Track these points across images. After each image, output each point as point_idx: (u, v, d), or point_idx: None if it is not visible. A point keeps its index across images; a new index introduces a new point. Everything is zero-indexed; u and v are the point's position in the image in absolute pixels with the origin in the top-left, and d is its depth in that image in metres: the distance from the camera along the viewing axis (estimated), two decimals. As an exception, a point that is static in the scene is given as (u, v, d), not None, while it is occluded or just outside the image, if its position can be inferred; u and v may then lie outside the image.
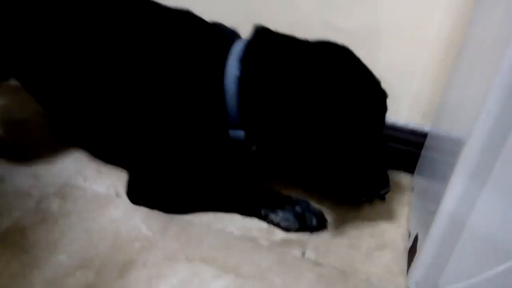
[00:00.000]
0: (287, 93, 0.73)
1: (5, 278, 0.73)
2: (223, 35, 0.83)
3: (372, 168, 0.81)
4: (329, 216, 0.89)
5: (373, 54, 0.94)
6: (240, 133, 0.81)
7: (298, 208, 0.86)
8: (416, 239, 0.76)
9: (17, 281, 0.72)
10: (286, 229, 0.86)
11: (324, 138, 0.74)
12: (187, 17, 0.85)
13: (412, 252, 0.77)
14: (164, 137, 0.84)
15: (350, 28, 0.94)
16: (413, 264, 0.73)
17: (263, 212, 0.87)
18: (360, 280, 0.76)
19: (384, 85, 0.97)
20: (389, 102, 0.99)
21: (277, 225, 0.86)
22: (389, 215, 0.92)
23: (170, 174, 0.88)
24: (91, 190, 0.94)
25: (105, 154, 1.01)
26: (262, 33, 0.81)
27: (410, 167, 1.01)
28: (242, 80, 0.77)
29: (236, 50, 0.79)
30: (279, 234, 0.85)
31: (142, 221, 0.86)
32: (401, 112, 1.00)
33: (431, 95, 0.95)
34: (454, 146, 0.64)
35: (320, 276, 0.76)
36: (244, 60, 0.77)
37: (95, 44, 0.83)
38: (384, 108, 0.80)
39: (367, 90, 0.77)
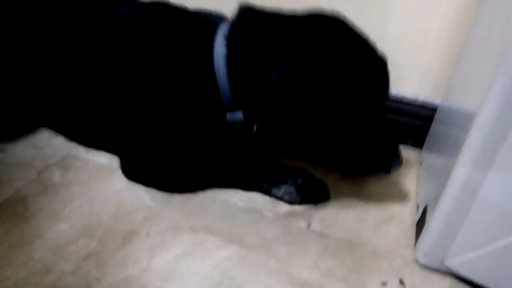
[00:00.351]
0: (275, 64, 0.70)
1: (6, 246, 0.72)
2: (207, 20, 0.81)
3: (379, 141, 0.78)
4: (335, 190, 0.88)
5: (382, 23, 0.92)
6: (238, 115, 0.78)
7: (300, 181, 0.84)
8: (425, 210, 0.74)
9: (18, 249, 0.71)
10: (289, 203, 0.84)
11: (321, 110, 0.71)
12: (167, 7, 0.84)
13: (420, 224, 0.75)
14: (158, 124, 0.81)
15: (360, -4, 0.90)
16: (421, 235, 0.72)
17: (265, 186, 0.85)
18: (367, 251, 0.75)
19: (393, 55, 0.94)
20: (397, 74, 0.97)
21: (280, 199, 0.85)
22: (396, 189, 0.90)
23: (166, 156, 0.85)
24: (93, 161, 0.92)
25: (92, 138, 0.96)
26: (246, 10, 0.78)
27: (418, 142, 0.99)
28: (230, 57, 0.74)
29: (222, 30, 0.76)
30: (284, 206, 0.84)
31: (145, 191, 0.85)
32: (410, 84, 0.97)
33: (443, 66, 0.92)
34: (466, 119, 0.62)
35: (327, 247, 0.75)
36: (230, 38, 0.75)
37: (85, 41, 0.83)
38: (385, 75, 0.76)
39: (361, 57, 0.72)
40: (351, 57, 0.71)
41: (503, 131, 0.56)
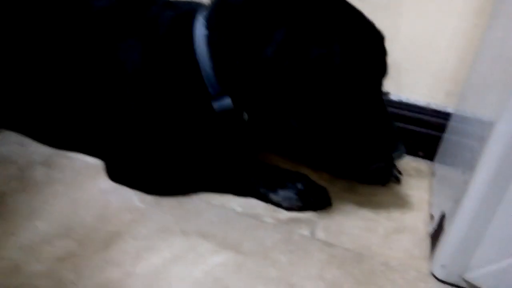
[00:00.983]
0: (266, 37, 0.64)
1: (-23, 244, 0.64)
2: (185, 7, 0.77)
3: (377, 127, 0.70)
4: (340, 199, 0.81)
5: (393, 24, 0.88)
6: (226, 101, 0.72)
7: (299, 185, 0.77)
8: (442, 221, 0.67)
9: (-11, 247, 0.64)
10: (288, 209, 0.77)
11: (311, 90, 0.65)
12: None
13: (436, 235, 0.68)
14: (142, 118, 0.75)
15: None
16: (438, 247, 0.64)
17: (261, 190, 0.77)
18: (378, 263, 0.67)
19: (404, 60, 0.90)
20: (408, 79, 0.92)
21: (278, 204, 0.77)
22: (407, 200, 0.83)
23: (152, 154, 0.78)
24: (81, 160, 0.85)
25: (71, 140, 0.87)
26: None
27: (430, 152, 0.93)
28: (211, 38, 0.69)
29: (201, 15, 0.72)
30: (285, 212, 0.77)
31: (134, 193, 0.78)
32: (421, 90, 0.92)
33: (456, 71, 0.87)
34: (483, 129, 0.57)
35: (332, 257, 0.67)
36: (210, 18, 0.70)
37: (60, 36, 0.78)
38: (382, 52, 0.69)
39: (357, 27, 0.66)
40: (347, 25, 0.65)
41: None
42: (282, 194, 0.76)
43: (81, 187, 0.78)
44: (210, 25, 0.70)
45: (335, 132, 0.70)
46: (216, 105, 0.72)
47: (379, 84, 0.71)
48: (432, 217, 0.75)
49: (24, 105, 0.84)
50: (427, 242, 0.71)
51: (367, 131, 0.70)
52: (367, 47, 0.68)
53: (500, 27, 0.70)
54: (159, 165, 0.77)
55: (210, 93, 0.72)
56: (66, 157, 0.86)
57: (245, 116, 0.74)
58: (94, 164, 0.84)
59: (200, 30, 0.70)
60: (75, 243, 0.66)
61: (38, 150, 0.88)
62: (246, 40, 0.66)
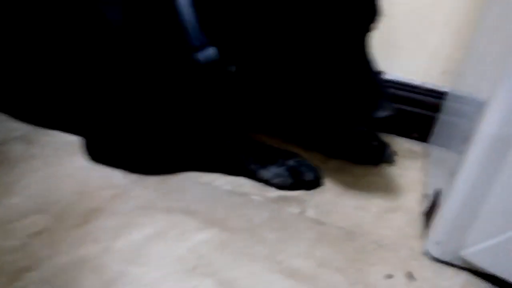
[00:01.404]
0: None
1: None
2: None
3: (361, 81, 0.62)
4: (333, 179, 0.78)
5: (388, 1, 0.84)
6: (211, 51, 0.67)
7: (291, 162, 0.74)
8: (437, 196, 0.64)
9: (-41, 223, 0.60)
10: (279, 186, 0.74)
11: (293, 29, 0.60)
12: None
13: (429, 214, 0.65)
14: (118, 78, 0.71)
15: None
16: (433, 223, 0.62)
17: (251, 167, 0.74)
18: (370, 241, 0.64)
19: (398, 36, 0.87)
20: (402, 57, 0.89)
21: (268, 182, 0.74)
22: (401, 180, 0.80)
23: (131, 122, 0.73)
24: (61, 137, 0.82)
25: (51, 117, 0.83)
26: None
27: (424, 133, 0.90)
28: None
29: None
30: (275, 191, 0.74)
31: (117, 169, 0.74)
32: (417, 68, 0.89)
33: (453, 49, 0.84)
34: (478, 108, 0.54)
35: (322, 235, 0.64)
36: None
37: None
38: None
39: None
40: None
41: None
42: (273, 171, 0.73)
43: (61, 163, 0.75)
44: None
45: (313, 78, 0.64)
46: (201, 56, 0.68)
47: (365, 28, 0.64)
48: (425, 196, 0.73)
49: (4, 81, 0.80)
50: (419, 221, 0.69)
51: (345, 82, 0.62)
52: None
53: (497, 5, 0.67)
54: (141, 139, 0.74)
55: (194, 45, 0.68)
56: (46, 134, 0.82)
57: (232, 68, 0.70)
58: (75, 141, 0.80)
59: None
60: (51, 218, 0.62)
61: (17, 126, 0.84)
62: None
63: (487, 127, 0.52)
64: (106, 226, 0.62)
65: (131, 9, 0.69)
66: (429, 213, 0.66)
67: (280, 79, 0.67)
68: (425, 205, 0.70)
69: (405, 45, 0.87)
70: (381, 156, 0.83)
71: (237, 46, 0.67)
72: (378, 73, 0.65)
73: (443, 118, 0.86)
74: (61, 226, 0.61)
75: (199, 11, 0.66)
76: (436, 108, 0.88)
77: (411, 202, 0.74)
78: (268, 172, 0.73)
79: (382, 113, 0.61)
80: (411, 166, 0.84)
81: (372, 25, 0.64)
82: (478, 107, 0.55)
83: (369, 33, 0.64)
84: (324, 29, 0.60)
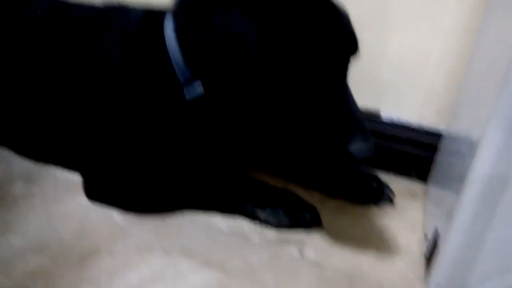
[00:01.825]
0: (222, 13, 0.62)
1: None
2: (156, 9, 0.76)
3: (333, 112, 0.62)
4: (331, 219, 0.78)
5: (382, 42, 0.87)
6: (196, 86, 0.68)
7: (288, 202, 0.74)
8: (436, 237, 0.64)
9: (-45, 263, 0.60)
10: (276, 227, 0.73)
11: (271, 70, 0.61)
12: (119, 6, 0.80)
13: (430, 254, 0.65)
14: (116, 119, 0.73)
15: (359, 15, 0.87)
16: (433, 265, 0.61)
17: (248, 207, 0.74)
18: (370, 285, 0.63)
19: (393, 76, 0.90)
20: (398, 98, 0.91)
21: (266, 222, 0.74)
22: (401, 221, 0.79)
23: (128, 163, 0.74)
24: (63, 176, 0.82)
25: (51, 154, 0.84)
26: None
27: (423, 172, 0.91)
28: (176, 24, 0.68)
29: (170, 13, 0.71)
30: (273, 231, 0.73)
31: (115, 209, 0.74)
32: (412, 109, 0.90)
33: (446, 89, 0.86)
34: (472, 146, 0.56)
35: (321, 278, 0.63)
36: (176, 7, 0.70)
37: (44, 43, 0.78)
38: (346, 24, 0.65)
39: (316, 6, 0.62)
40: (307, 7, 0.61)
41: (509, 159, 0.51)
42: (270, 211, 0.73)
43: (60, 202, 0.75)
44: (175, 14, 0.69)
45: (292, 113, 0.64)
46: (186, 91, 0.69)
47: (343, 62, 0.65)
48: (426, 237, 0.72)
49: (5, 117, 0.82)
50: (421, 263, 0.68)
51: (323, 117, 0.62)
52: (325, 19, 0.62)
53: (485, 47, 0.69)
54: (136, 177, 0.74)
55: (180, 82, 0.69)
56: (47, 171, 0.83)
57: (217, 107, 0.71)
58: (76, 180, 0.80)
59: (169, 22, 0.70)
60: (48, 259, 0.62)
61: (20, 164, 0.85)
62: (204, 22, 0.64)
63: (481, 167, 0.52)
64: (103, 267, 0.61)
65: (127, 50, 0.72)
66: (430, 254, 0.65)
67: (261, 114, 0.68)
68: (425, 246, 0.69)
69: (400, 86, 0.89)
70: (381, 196, 0.83)
71: (216, 81, 0.68)
72: (356, 107, 0.65)
73: (440, 157, 0.86)
74: (58, 267, 0.61)
75: (184, 48, 0.68)
76: (433, 148, 0.88)
77: (412, 243, 0.73)
78: (266, 213, 0.73)
79: (360, 149, 0.60)
80: (411, 206, 0.84)
81: (352, 59, 0.66)
82: (472, 146, 0.56)
83: (349, 67, 0.66)
84: (309, 70, 0.62)
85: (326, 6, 0.64)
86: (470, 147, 0.57)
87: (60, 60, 0.76)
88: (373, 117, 0.93)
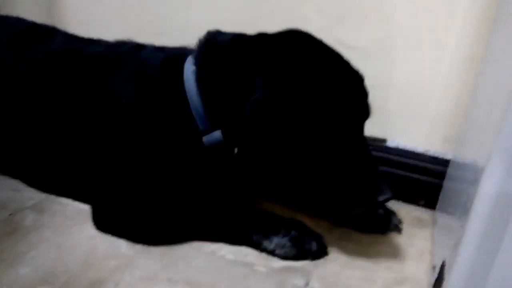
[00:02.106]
0: (246, 84, 0.66)
1: (-47, 290, 0.62)
2: (175, 50, 0.81)
3: (359, 169, 0.69)
4: (338, 248, 0.77)
5: (387, 72, 0.89)
6: (216, 135, 0.72)
7: (294, 232, 0.74)
8: (442, 268, 0.63)
9: (-34, 294, 0.61)
10: (283, 257, 0.73)
11: (296, 130, 0.66)
12: (134, 43, 0.85)
13: (437, 285, 0.64)
14: (129, 159, 0.75)
15: (362, 45, 0.89)
16: (440, 297, 0.60)
17: (254, 238, 0.74)
18: (376, 316, 0.62)
19: (399, 104, 0.91)
20: (405, 125, 0.92)
21: (272, 252, 0.74)
22: (409, 250, 0.79)
23: (139, 197, 0.76)
24: (72, 206, 0.84)
25: (62, 186, 0.86)
26: (214, 33, 0.76)
27: (431, 200, 0.90)
28: (200, 76, 0.71)
29: (191, 55, 0.75)
30: (279, 261, 0.73)
31: (123, 239, 0.75)
32: (419, 136, 0.91)
33: (452, 117, 0.87)
34: (476, 173, 0.56)
35: (327, 309, 0.63)
36: (199, 57, 0.73)
37: (58, 80, 0.82)
38: (361, 93, 0.71)
39: (337, 72, 0.69)
40: (330, 74, 0.67)
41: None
42: (276, 241, 0.73)
43: (69, 232, 0.76)
44: (198, 62, 0.72)
45: (317, 171, 0.69)
46: (206, 139, 0.72)
47: (360, 125, 0.72)
48: (434, 267, 0.71)
49: (17, 149, 0.85)
50: (429, 294, 0.67)
51: (348, 172, 0.69)
52: (344, 88, 0.68)
53: (489, 74, 0.70)
54: (146, 211, 0.75)
55: (199, 129, 0.72)
56: (58, 203, 0.85)
57: (235, 150, 0.74)
58: (85, 210, 0.82)
59: (189, 67, 0.73)
60: (55, 290, 0.63)
61: (31, 195, 0.87)
62: (230, 83, 0.68)
63: (484, 197, 0.52)
64: (108, 298, 0.62)
65: (144, 91, 0.75)
66: (437, 285, 0.64)
67: (281, 169, 0.72)
68: (433, 277, 0.68)
69: (406, 114, 0.90)
70: (388, 225, 0.82)
71: (239, 136, 0.71)
72: (375, 160, 0.72)
73: (447, 185, 0.86)
74: (64, 299, 0.61)
75: (205, 99, 0.71)
76: (440, 175, 0.88)
77: (419, 273, 0.72)
78: (271, 243, 0.73)
79: (385, 197, 0.68)
80: (419, 234, 0.83)
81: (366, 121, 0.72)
82: (476, 175, 0.56)
83: (364, 127, 0.73)
84: (327, 132, 0.67)
85: (352, 80, 0.70)
86: (475, 175, 0.57)
87: (71, 98, 0.79)
88: (380, 145, 0.94)
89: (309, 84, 0.65)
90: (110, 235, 0.76)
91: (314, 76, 0.66)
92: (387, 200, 0.69)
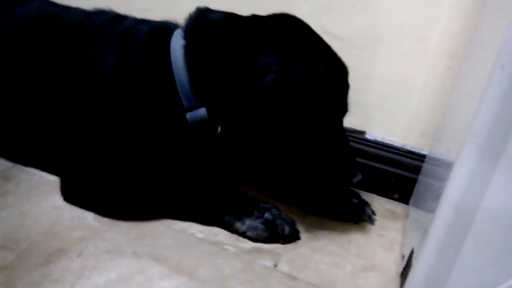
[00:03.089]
0: (246, 57, 0.65)
1: None
2: (160, 23, 0.78)
3: (338, 153, 0.71)
4: (310, 233, 0.77)
5: (370, 64, 0.89)
6: (201, 112, 0.70)
7: (268, 215, 0.73)
8: (411, 255, 0.63)
9: None
10: (254, 239, 0.72)
11: (302, 109, 0.66)
12: (114, 13, 0.82)
13: (405, 273, 0.64)
14: (104, 129, 0.73)
15: (348, 35, 0.89)
16: (406, 283, 0.60)
17: (226, 218, 0.73)
18: (342, 300, 0.62)
19: (380, 98, 0.91)
20: (384, 118, 0.92)
21: (243, 234, 0.73)
22: (380, 240, 0.79)
23: (109, 170, 0.74)
24: (40, 176, 0.81)
25: (31, 155, 0.83)
26: (204, 10, 0.74)
27: (405, 194, 0.90)
28: (190, 51, 0.69)
29: (178, 30, 0.73)
30: (249, 242, 0.72)
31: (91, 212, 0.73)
32: (397, 131, 0.91)
33: (431, 112, 0.87)
34: (447, 169, 0.56)
35: (293, 290, 0.62)
36: (190, 32, 0.71)
37: (33, 47, 0.79)
38: (345, 85, 0.72)
39: (326, 59, 0.69)
40: (324, 51, 0.69)
41: (481, 182, 0.50)
42: (248, 223, 0.72)
43: (34, 201, 0.74)
44: (188, 38, 0.70)
45: (300, 153, 0.69)
46: (190, 116, 0.70)
47: (344, 112, 0.73)
48: (403, 257, 0.71)
49: None
50: (396, 282, 0.67)
51: (328, 155, 0.70)
52: (341, 75, 0.70)
53: (468, 72, 0.71)
54: (116, 184, 0.73)
55: (183, 105, 0.70)
56: (25, 172, 0.82)
57: (218, 129, 0.72)
58: (53, 180, 0.79)
59: (177, 41, 0.70)
60: (15, 256, 0.61)
61: (-2, 163, 0.84)
62: (225, 60, 0.66)
63: (455, 186, 0.52)
64: (69, 267, 0.60)
65: (125, 62, 0.73)
66: (405, 273, 0.64)
67: (265, 151, 0.72)
68: (401, 266, 0.68)
69: (386, 107, 0.90)
70: (361, 214, 0.82)
71: (228, 114, 0.70)
72: (350, 146, 0.75)
73: (421, 180, 0.86)
74: (23, 265, 0.59)
75: (193, 75, 0.69)
76: (416, 170, 0.88)
77: (388, 262, 0.72)
78: (244, 225, 0.72)
79: (357, 179, 0.71)
80: (391, 226, 0.83)
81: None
82: (448, 167, 0.56)
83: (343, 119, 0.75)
84: (324, 114, 0.69)
85: (342, 75, 0.71)
86: (447, 167, 0.57)
87: (44, 64, 0.76)
88: (359, 137, 0.94)
89: (320, 63, 0.66)
90: (77, 206, 0.74)
91: (322, 56, 0.68)
92: (359, 181, 0.71)
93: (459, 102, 0.70)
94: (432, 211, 0.57)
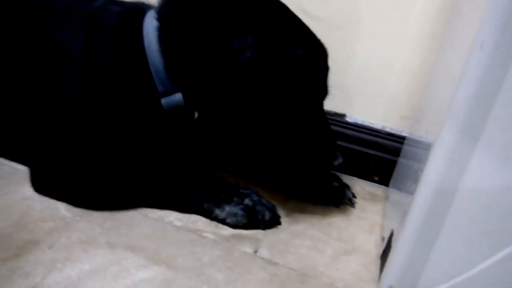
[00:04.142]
0: (223, 38, 0.62)
1: None
2: (132, 4, 0.75)
3: (319, 136, 0.70)
4: (291, 218, 0.76)
5: (349, 45, 0.87)
6: (177, 97, 0.67)
7: (247, 201, 0.71)
8: (391, 237, 0.63)
9: None
10: (233, 226, 0.71)
11: (279, 91, 0.64)
12: None
13: (385, 255, 0.64)
14: (73, 115, 0.70)
15: (326, 16, 0.87)
16: (386, 265, 0.60)
17: (205, 206, 0.71)
18: (323, 284, 0.61)
19: (359, 80, 0.90)
20: (364, 101, 0.91)
21: (223, 221, 0.71)
22: (360, 222, 0.78)
23: (81, 159, 0.70)
24: (8, 166, 0.78)
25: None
26: None
27: (385, 176, 0.90)
28: (165, 33, 0.66)
29: (151, 11, 0.70)
30: (229, 229, 0.71)
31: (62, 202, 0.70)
32: (377, 113, 0.90)
33: (410, 94, 0.86)
34: (425, 151, 0.55)
35: (274, 276, 0.61)
36: (163, 13, 0.68)
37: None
38: (325, 67, 0.70)
39: (306, 41, 0.67)
40: (304, 33, 0.67)
41: (460, 162, 0.50)
42: (228, 210, 0.71)
43: (2, 192, 0.71)
44: (162, 19, 0.67)
45: (280, 136, 0.68)
46: (165, 101, 0.67)
47: (325, 95, 0.72)
48: (383, 239, 0.71)
49: None
50: (377, 264, 0.67)
51: (309, 138, 0.69)
52: (322, 55, 0.68)
53: (447, 54, 0.70)
54: (88, 173, 0.70)
55: (157, 90, 0.67)
56: (-8, 161, 0.78)
57: (195, 115, 0.70)
58: (23, 170, 0.76)
59: (150, 23, 0.67)
60: (-20, 251, 0.58)
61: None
62: (201, 42, 0.63)
63: (434, 166, 0.52)
64: (40, 260, 0.57)
65: (95, 45, 0.69)
66: (384, 255, 0.64)
67: (243, 135, 0.70)
68: (381, 248, 0.68)
69: (366, 89, 0.89)
70: (342, 198, 0.82)
71: (204, 98, 0.67)
72: (331, 129, 0.74)
73: (401, 161, 0.86)
74: (-11, 259, 0.56)
75: (168, 58, 0.66)
76: (396, 152, 0.88)
77: (369, 245, 0.72)
78: (223, 211, 0.70)
79: (338, 162, 0.70)
80: (372, 209, 0.83)
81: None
82: (427, 147, 0.55)
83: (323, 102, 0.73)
84: (303, 97, 0.67)
85: (321, 57, 0.69)
86: (426, 149, 0.57)
87: (8, 48, 0.72)
88: (339, 120, 0.93)
89: (299, 46, 0.64)
90: (48, 197, 0.71)
91: (301, 38, 0.65)
92: (340, 164, 0.70)
93: (438, 83, 0.70)
94: (411, 192, 0.57)
